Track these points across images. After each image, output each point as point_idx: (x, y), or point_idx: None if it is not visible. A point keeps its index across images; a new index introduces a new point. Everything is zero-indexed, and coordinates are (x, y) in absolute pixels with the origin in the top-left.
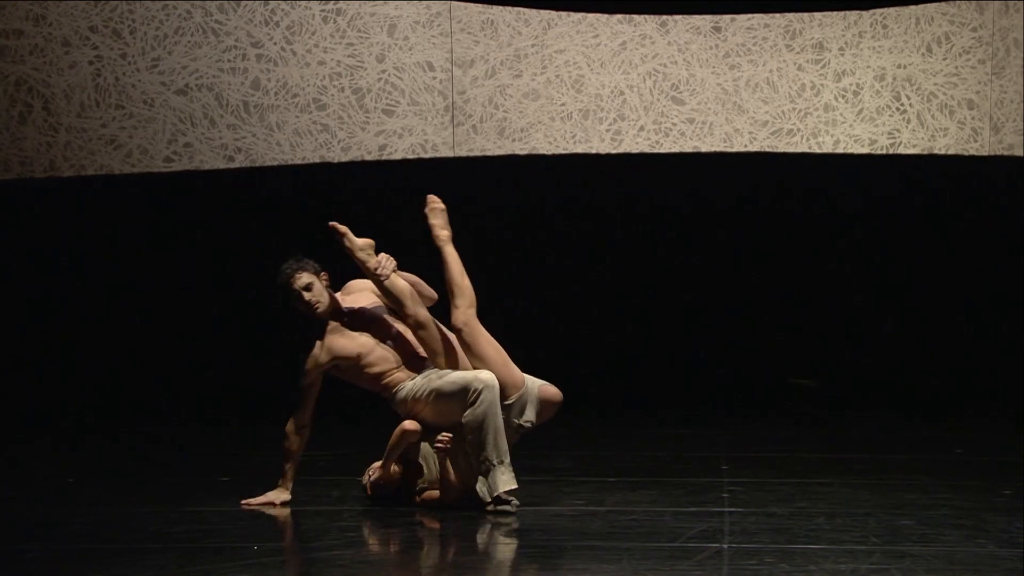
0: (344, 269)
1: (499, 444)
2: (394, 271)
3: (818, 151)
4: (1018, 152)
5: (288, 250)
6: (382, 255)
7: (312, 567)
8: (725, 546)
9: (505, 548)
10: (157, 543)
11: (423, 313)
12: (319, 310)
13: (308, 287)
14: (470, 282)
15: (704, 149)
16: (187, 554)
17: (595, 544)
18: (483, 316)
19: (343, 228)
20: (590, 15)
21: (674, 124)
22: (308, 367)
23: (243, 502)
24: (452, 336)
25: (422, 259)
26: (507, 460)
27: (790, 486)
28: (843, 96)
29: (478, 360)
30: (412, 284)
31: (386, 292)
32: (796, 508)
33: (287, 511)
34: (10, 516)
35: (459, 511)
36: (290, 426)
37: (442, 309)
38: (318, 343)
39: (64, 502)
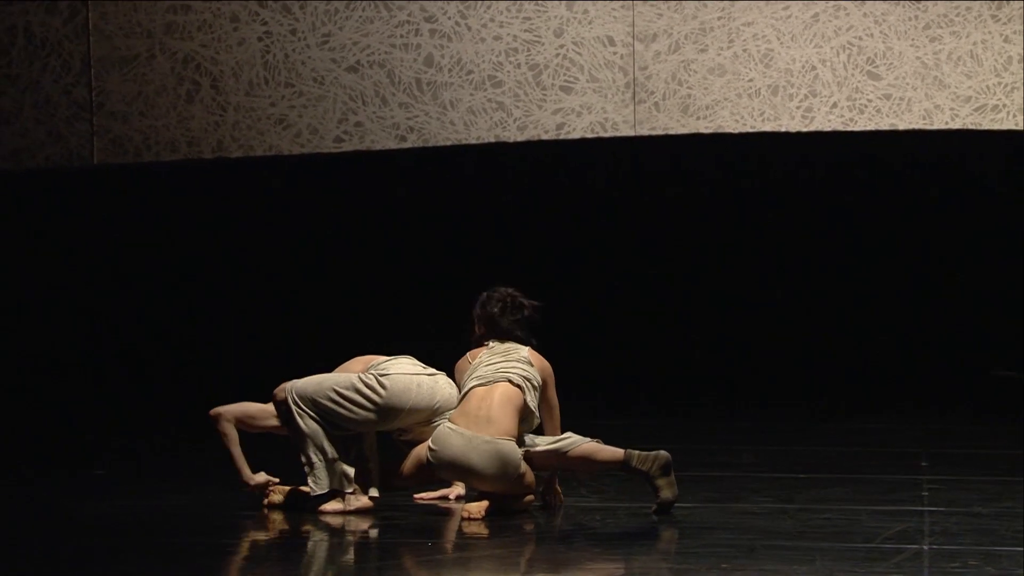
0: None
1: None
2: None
3: None
4: None
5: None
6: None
7: (486, 563)
8: (925, 547)
9: (690, 546)
10: (330, 537)
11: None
12: None
13: None
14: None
15: (901, 127)
16: (361, 549)
17: (785, 544)
18: (669, 301)
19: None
20: None
21: (869, 100)
22: None
23: (416, 496)
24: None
25: (600, 241)
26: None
27: (995, 484)
28: None
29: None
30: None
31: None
32: (1001, 508)
33: (460, 506)
34: (175, 510)
35: (633, 508)
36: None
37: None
38: None
39: (239, 497)
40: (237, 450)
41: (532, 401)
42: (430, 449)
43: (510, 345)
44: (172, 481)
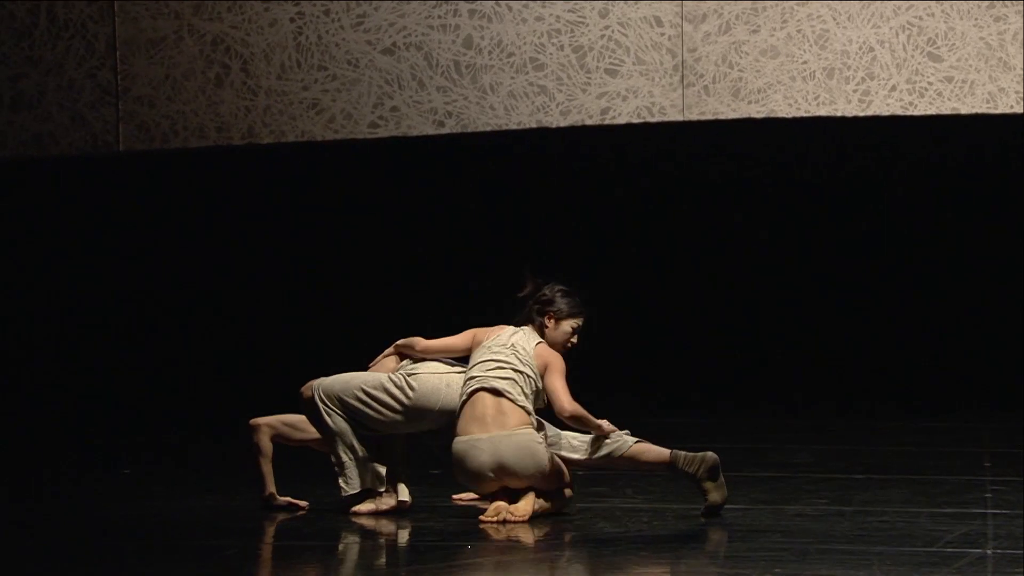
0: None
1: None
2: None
3: None
4: None
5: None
6: None
7: (529, 567)
8: (989, 552)
9: (741, 549)
10: (365, 539)
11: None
12: None
13: None
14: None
15: (964, 111)
16: (394, 551)
17: (841, 548)
18: (719, 293)
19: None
20: None
21: (930, 83)
22: None
23: (455, 497)
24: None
25: (646, 231)
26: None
27: None
28: None
29: None
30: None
31: None
32: None
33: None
34: (210, 512)
35: (682, 509)
36: None
37: None
38: None
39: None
40: (268, 467)
41: (520, 394)
42: (457, 472)
43: (514, 338)
44: (200, 482)
